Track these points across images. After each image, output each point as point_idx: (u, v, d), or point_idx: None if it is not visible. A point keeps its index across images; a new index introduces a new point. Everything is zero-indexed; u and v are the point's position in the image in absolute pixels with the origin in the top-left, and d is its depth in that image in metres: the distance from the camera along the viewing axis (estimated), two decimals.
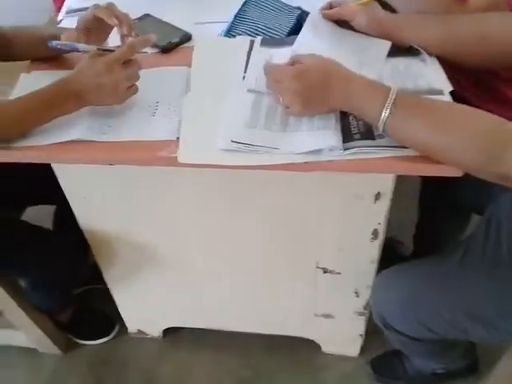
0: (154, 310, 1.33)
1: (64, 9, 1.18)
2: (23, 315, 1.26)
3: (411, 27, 0.90)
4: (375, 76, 0.86)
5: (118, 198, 0.95)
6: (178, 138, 0.79)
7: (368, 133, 0.76)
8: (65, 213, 1.02)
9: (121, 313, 1.34)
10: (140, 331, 1.42)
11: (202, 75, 0.89)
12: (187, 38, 1.01)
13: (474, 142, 0.67)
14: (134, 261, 1.14)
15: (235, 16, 0.99)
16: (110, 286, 1.24)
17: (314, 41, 0.90)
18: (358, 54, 0.89)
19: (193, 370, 1.36)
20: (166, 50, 0.99)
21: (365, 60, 0.89)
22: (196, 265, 1.13)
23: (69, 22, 1.11)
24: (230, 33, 0.97)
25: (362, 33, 0.93)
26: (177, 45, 1.00)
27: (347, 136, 0.76)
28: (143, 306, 1.32)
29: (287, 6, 1.03)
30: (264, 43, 0.94)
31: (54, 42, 0.84)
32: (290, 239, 1.02)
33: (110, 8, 0.85)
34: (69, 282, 1.25)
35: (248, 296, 1.22)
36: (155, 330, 1.42)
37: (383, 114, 0.70)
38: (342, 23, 0.95)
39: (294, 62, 0.79)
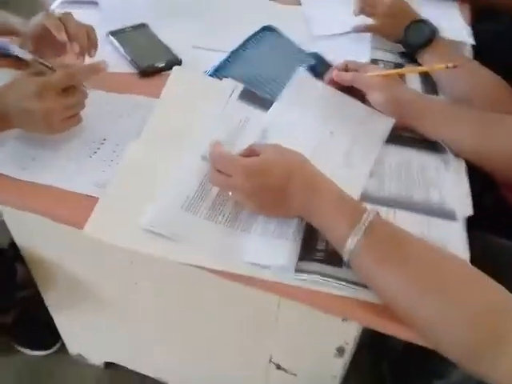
0: (94, 340, 1.20)
1: None
2: None
3: (439, 119, 0.70)
4: (368, 164, 0.68)
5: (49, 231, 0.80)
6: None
7: (335, 255, 0.57)
8: None
9: (60, 333, 1.21)
10: (80, 355, 1.28)
11: (163, 118, 0.72)
12: (175, 63, 0.84)
13: (458, 321, 0.48)
14: (72, 289, 0.99)
15: (231, 53, 0.81)
16: (48, 305, 1.11)
17: (296, 110, 0.72)
18: (351, 132, 0.71)
19: None
20: (146, 73, 0.83)
21: (358, 141, 0.71)
22: (136, 313, 0.97)
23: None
24: (218, 72, 0.78)
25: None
26: (161, 70, 0.83)
27: (308, 252, 0.58)
28: (83, 333, 1.18)
29: (300, 51, 0.84)
30: (244, 97, 0.75)
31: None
32: (242, 326, 0.85)
33: (65, 19, 0.69)
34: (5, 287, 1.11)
35: (191, 359, 1.05)
36: (96, 359, 1.28)
37: (349, 241, 0.52)
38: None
39: (251, 151, 0.62)
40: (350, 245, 0.52)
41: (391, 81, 0.71)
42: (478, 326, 0.47)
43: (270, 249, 0.57)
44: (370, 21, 0.94)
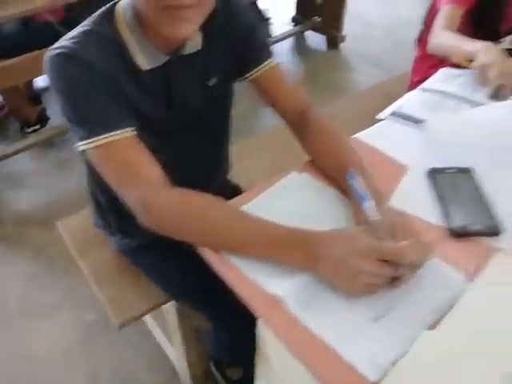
0: None
1: (392, 107, 1.01)
2: (183, 348, 1.23)
3: None
4: None
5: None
6: None
7: None
8: None
9: None
10: None
11: (470, 312, 0.60)
12: (492, 232, 0.73)
13: None
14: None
15: None
16: None
17: None
18: None
19: None
20: (457, 234, 0.73)
21: None
22: None
23: (389, 125, 0.97)
24: None
25: None
26: (475, 234, 0.73)
27: None
28: None
29: None
30: None
31: (351, 177, 0.71)
32: None
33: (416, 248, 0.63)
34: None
35: None
36: None
37: None
38: None
39: None
40: None
41: None
42: None
43: None
44: None
